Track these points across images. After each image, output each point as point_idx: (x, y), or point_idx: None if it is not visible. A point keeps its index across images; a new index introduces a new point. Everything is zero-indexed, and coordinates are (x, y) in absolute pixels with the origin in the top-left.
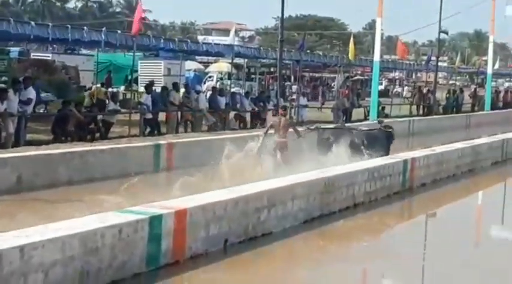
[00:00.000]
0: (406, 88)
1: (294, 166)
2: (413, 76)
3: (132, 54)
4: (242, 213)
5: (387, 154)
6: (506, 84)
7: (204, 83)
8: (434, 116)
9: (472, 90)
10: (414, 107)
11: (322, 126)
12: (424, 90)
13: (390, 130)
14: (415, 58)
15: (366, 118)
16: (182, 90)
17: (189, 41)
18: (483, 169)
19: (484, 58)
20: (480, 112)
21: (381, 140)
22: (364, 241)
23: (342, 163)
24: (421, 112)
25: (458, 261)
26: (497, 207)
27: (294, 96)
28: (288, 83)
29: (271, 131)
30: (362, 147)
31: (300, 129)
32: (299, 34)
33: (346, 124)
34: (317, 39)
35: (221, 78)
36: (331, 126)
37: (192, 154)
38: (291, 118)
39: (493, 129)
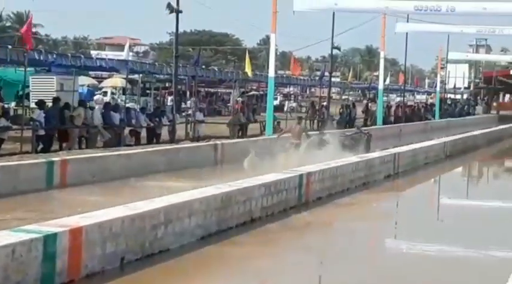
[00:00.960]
0: (295, 104)
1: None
2: (308, 92)
3: (23, 69)
4: (139, 230)
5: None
6: (398, 99)
7: (93, 96)
8: (326, 131)
9: (364, 105)
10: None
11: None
12: (318, 106)
13: (370, 134)
14: (309, 73)
15: (261, 133)
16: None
17: (82, 56)
18: (376, 183)
19: (376, 73)
20: (372, 127)
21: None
22: (261, 256)
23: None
24: (315, 126)
25: (351, 272)
26: (389, 218)
27: (190, 112)
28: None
29: (287, 134)
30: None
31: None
32: (194, 49)
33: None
34: (212, 54)
35: (112, 93)
36: (351, 131)
37: (87, 170)
38: (305, 126)
39: (386, 142)
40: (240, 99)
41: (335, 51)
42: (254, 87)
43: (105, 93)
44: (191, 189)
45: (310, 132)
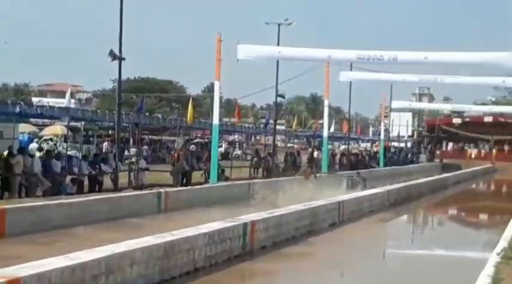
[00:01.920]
0: (240, 151)
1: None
2: (253, 139)
3: None
4: (79, 280)
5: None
6: (342, 147)
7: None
8: (274, 179)
9: (309, 152)
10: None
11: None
12: (263, 153)
13: (365, 177)
14: (253, 121)
15: (206, 181)
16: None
17: (22, 103)
18: (322, 230)
19: (320, 121)
20: (317, 175)
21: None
22: None
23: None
24: (261, 174)
25: None
26: (335, 268)
27: (134, 159)
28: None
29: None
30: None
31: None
32: (137, 96)
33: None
34: (156, 101)
35: (50, 139)
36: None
37: (27, 220)
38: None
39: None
40: (179, 147)
41: (280, 99)
42: (199, 135)
43: (46, 141)
44: (133, 238)
45: (318, 174)
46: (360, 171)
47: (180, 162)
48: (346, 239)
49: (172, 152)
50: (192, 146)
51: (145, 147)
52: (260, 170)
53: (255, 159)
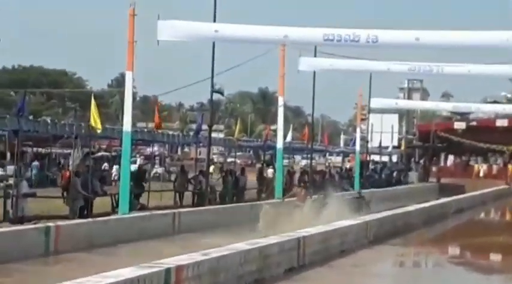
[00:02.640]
0: (161, 169)
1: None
2: (180, 152)
3: None
4: None
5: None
6: (303, 162)
7: None
8: (209, 207)
9: (257, 170)
10: (187, 195)
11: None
12: (193, 172)
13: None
14: (180, 126)
15: (114, 210)
16: None
17: None
18: (274, 279)
19: (273, 127)
20: (269, 201)
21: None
22: None
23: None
24: (190, 201)
25: None
26: None
27: (11, 181)
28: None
29: (293, 198)
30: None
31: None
32: (17, 93)
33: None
34: (44, 100)
35: None
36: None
37: None
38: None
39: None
40: (75, 163)
41: (217, 97)
42: (103, 146)
43: None
44: None
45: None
46: (361, 190)
47: (74, 184)
48: None
49: (55, 169)
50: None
51: (35, 163)
52: (189, 195)
53: (179, 179)
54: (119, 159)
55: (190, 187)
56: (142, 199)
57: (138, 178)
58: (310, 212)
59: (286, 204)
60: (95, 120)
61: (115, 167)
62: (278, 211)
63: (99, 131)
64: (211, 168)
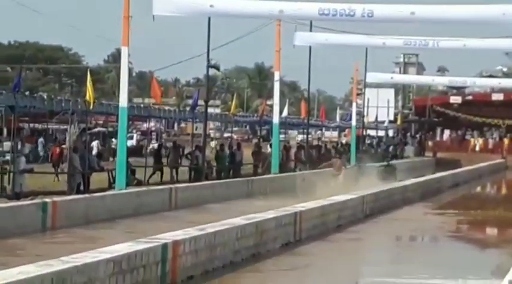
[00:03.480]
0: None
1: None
2: (176, 127)
3: None
4: None
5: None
6: (300, 137)
7: None
8: (205, 182)
9: (254, 145)
10: (183, 170)
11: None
12: (190, 147)
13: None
14: (177, 102)
15: (110, 186)
16: None
17: None
18: (270, 254)
19: (269, 102)
20: (266, 176)
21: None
22: None
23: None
24: (187, 176)
25: None
26: None
27: (8, 157)
28: None
29: (330, 167)
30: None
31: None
32: (14, 69)
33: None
34: (40, 76)
35: None
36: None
37: None
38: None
39: (283, 198)
40: (72, 138)
41: (213, 72)
42: (100, 122)
43: None
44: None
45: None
46: (390, 160)
47: (72, 160)
48: (304, 265)
49: (64, 146)
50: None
51: (41, 139)
52: (186, 170)
53: (172, 155)
54: (115, 135)
55: (187, 163)
56: (139, 174)
57: (157, 155)
58: (345, 181)
59: (322, 173)
60: (90, 95)
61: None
62: (315, 179)
63: (92, 106)
64: (213, 144)
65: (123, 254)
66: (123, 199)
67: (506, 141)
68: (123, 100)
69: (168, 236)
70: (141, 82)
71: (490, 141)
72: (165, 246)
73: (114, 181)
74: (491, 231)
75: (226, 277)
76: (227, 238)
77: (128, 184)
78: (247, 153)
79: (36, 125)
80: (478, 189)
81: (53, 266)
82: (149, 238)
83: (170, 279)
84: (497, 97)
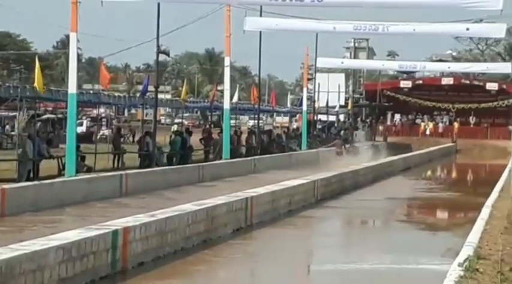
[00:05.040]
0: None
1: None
2: (127, 113)
3: None
4: None
5: None
6: (251, 122)
7: None
8: (156, 168)
9: (205, 130)
10: (134, 157)
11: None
12: (140, 133)
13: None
14: (127, 88)
15: (60, 173)
16: None
17: None
18: (221, 240)
19: (220, 88)
20: (217, 162)
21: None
22: None
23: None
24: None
25: None
26: None
27: None
28: None
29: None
30: None
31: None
32: None
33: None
34: None
35: None
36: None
37: None
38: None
39: (234, 183)
40: (21, 125)
41: (163, 57)
42: (50, 109)
43: None
44: None
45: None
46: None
47: (25, 147)
48: (255, 251)
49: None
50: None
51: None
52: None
53: (115, 140)
54: (65, 122)
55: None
56: (89, 161)
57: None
58: (348, 156)
59: (330, 151)
60: (39, 82)
61: None
62: (328, 155)
63: (41, 92)
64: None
65: (73, 241)
66: (73, 186)
67: (456, 125)
68: (72, 87)
69: (119, 223)
70: (90, 68)
71: (440, 125)
72: (115, 233)
73: (64, 168)
74: (442, 214)
75: (177, 263)
76: (178, 225)
77: (77, 171)
78: (195, 139)
79: None
80: (429, 172)
81: (1, 254)
82: (99, 225)
83: (121, 266)
84: (447, 81)
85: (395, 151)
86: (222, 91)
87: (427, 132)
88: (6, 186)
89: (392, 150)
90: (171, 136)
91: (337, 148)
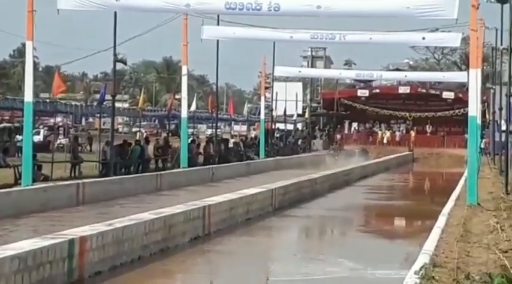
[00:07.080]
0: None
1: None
2: (84, 122)
3: None
4: None
5: None
6: (209, 131)
7: None
8: (114, 177)
9: (162, 139)
10: (92, 166)
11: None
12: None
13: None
14: (84, 97)
15: (16, 182)
16: None
17: None
18: (179, 249)
19: (178, 96)
20: (175, 171)
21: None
22: None
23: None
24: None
25: None
26: None
27: None
28: None
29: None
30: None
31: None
32: None
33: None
34: None
35: None
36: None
37: None
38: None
39: (192, 192)
40: None
41: (120, 66)
42: (6, 117)
43: None
44: None
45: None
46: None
47: None
48: (213, 260)
49: None
50: None
51: None
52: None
53: (73, 151)
54: (21, 130)
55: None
56: (46, 170)
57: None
58: (341, 158)
59: (327, 154)
60: None
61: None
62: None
63: None
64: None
65: (28, 250)
66: (30, 195)
67: (412, 133)
68: (28, 95)
69: (75, 232)
70: (47, 77)
71: (397, 134)
72: (71, 242)
73: (20, 177)
74: (400, 223)
75: (134, 273)
76: (135, 233)
77: (34, 180)
78: (151, 148)
79: None
80: (386, 181)
81: None
82: (55, 234)
83: (77, 275)
84: (404, 90)
85: (353, 159)
86: (180, 100)
87: (385, 141)
88: None
89: (349, 159)
90: (121, 145)
91: (334, 153)
